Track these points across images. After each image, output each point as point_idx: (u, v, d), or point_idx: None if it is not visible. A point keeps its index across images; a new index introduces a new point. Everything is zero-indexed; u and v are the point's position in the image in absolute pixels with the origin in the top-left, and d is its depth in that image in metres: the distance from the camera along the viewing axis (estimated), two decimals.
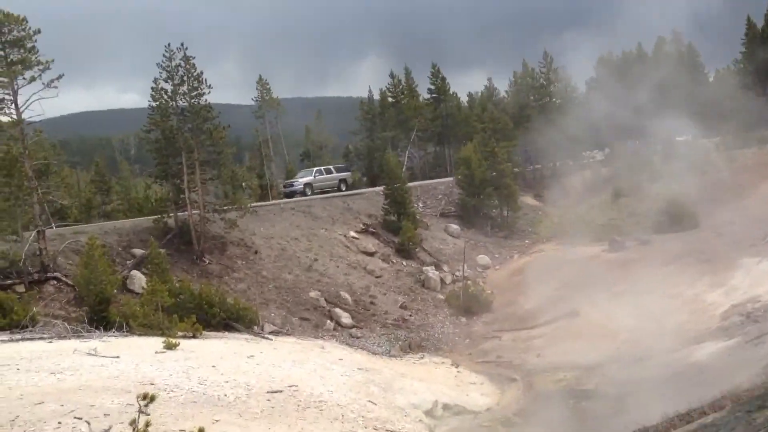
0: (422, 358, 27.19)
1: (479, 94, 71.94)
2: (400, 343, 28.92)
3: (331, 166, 51.25)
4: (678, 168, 45.21)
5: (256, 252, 33.64)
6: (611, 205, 44.71)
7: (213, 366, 18.14)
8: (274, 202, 45.27)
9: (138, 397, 6.75)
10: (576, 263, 34.91)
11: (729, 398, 7.09)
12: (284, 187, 50.20)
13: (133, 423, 6.67)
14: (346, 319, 30.15)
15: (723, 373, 18.19)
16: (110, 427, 11.02)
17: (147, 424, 6.59)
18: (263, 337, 25.32)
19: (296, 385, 17.40)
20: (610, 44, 64.73)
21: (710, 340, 22.19)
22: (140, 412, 6.67)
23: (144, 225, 32.96)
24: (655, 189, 43.71)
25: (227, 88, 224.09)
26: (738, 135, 49.68)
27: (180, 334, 22.01)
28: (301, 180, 48.62)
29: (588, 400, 20.34)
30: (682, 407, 17.00)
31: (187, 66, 32.08)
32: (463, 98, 72.50)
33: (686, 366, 20.45)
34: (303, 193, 46.37)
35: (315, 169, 50.94)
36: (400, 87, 65.88)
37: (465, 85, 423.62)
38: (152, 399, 6.79)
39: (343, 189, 48.46)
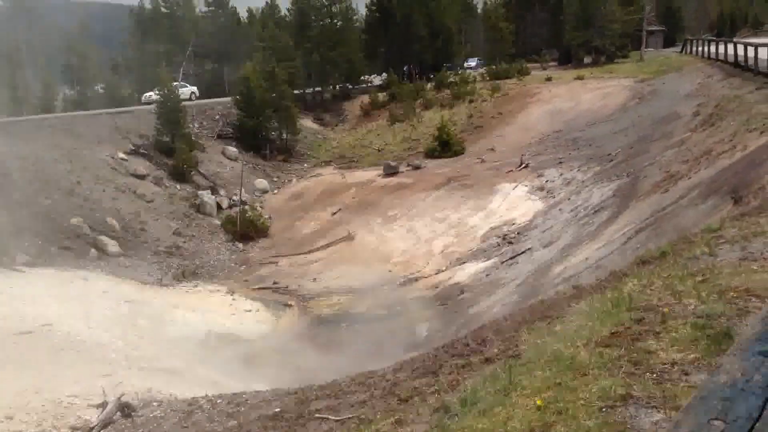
0: (196, 286, 26.25)
1: (260, 10, 69.23)
2: (172, 271, 27.71)
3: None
4: (446, 95, 47.56)
5: (5, 174, 29.91)
6: (387, 130, 45.92)
7: None
8: (29, 117, 40.41)
9: None
10: (353, 188, 35.62)
11: (490, 329, 7.43)
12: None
13: None
14: (113, 247, 28.09)
15: (482, 292, 19.76)
16: None
17: None
18: (14, 269, 22.83)
19: (51, 324, 15.87)
20: None
21: (472, 261, 23.87)
22: None
23: None
24: (428, 116, 45.68)
25: None
26: (501, 65, 53.16)
27: None
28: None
29: (359, 322, 21.02)
30: (443, 327, 18.25)
31: None
32: (243, 14, 69.48)
33: (449, 287, 21.89)
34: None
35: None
36: None
37: None
38: None
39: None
